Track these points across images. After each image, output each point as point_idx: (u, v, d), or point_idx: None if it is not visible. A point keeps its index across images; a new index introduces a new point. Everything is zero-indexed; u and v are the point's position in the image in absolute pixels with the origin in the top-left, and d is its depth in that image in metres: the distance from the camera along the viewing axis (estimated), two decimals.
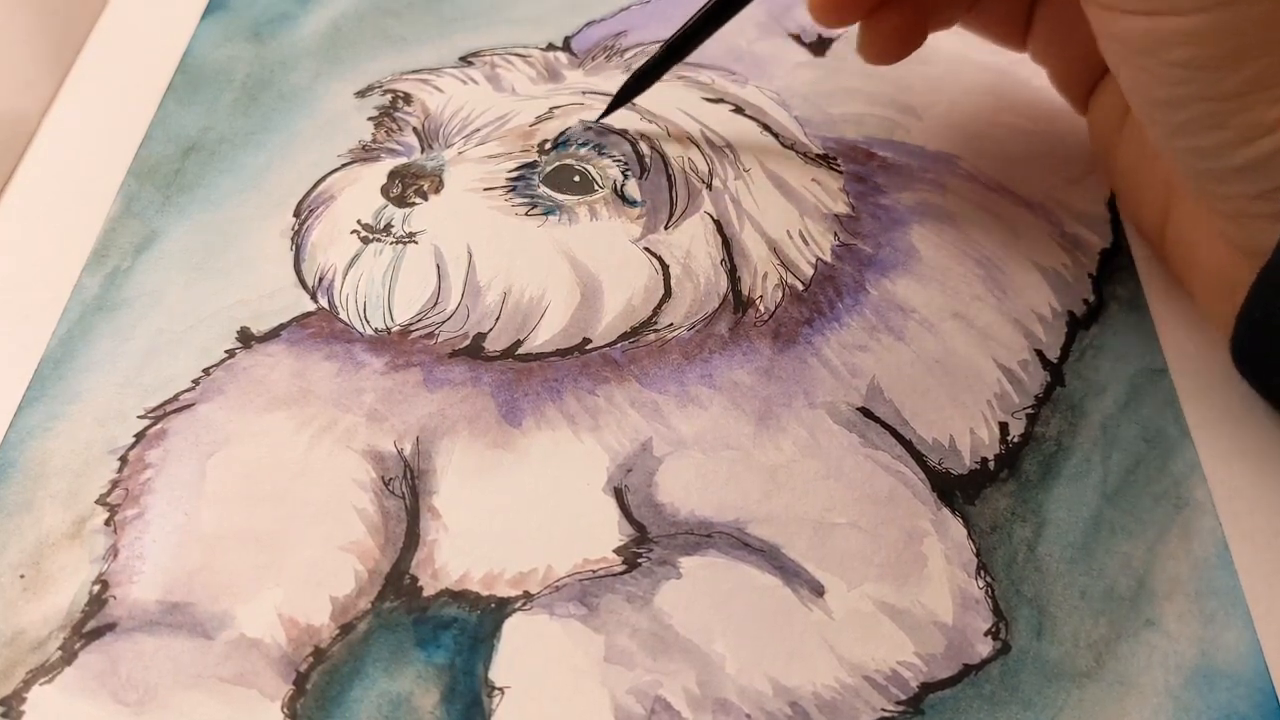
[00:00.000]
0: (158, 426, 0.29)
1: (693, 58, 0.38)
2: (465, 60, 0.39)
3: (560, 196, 0.34)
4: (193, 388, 0.30)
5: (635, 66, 0.37)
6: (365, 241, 0.33)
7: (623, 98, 0.35)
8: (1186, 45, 0.26)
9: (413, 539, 0.28)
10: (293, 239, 0.33)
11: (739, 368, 0.31)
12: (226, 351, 0.31)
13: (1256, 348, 0.29)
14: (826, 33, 0.40)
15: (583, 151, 0.35)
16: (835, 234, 0.34)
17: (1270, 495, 0.29)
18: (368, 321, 0.31)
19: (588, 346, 0.31)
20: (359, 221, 0.33)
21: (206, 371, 0.30)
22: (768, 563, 0.27)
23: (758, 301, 0.32)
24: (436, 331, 0.31)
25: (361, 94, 0.38)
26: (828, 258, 0.33)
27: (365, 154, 0.36)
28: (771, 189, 0.35)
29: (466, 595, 0.27)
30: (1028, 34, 0.35)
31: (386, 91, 0.38)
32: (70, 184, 0.35)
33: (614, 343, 0.31)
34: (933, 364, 0.31)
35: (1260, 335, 0.29)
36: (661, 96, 0.37)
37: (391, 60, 0.39)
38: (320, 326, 0.31)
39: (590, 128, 0.36)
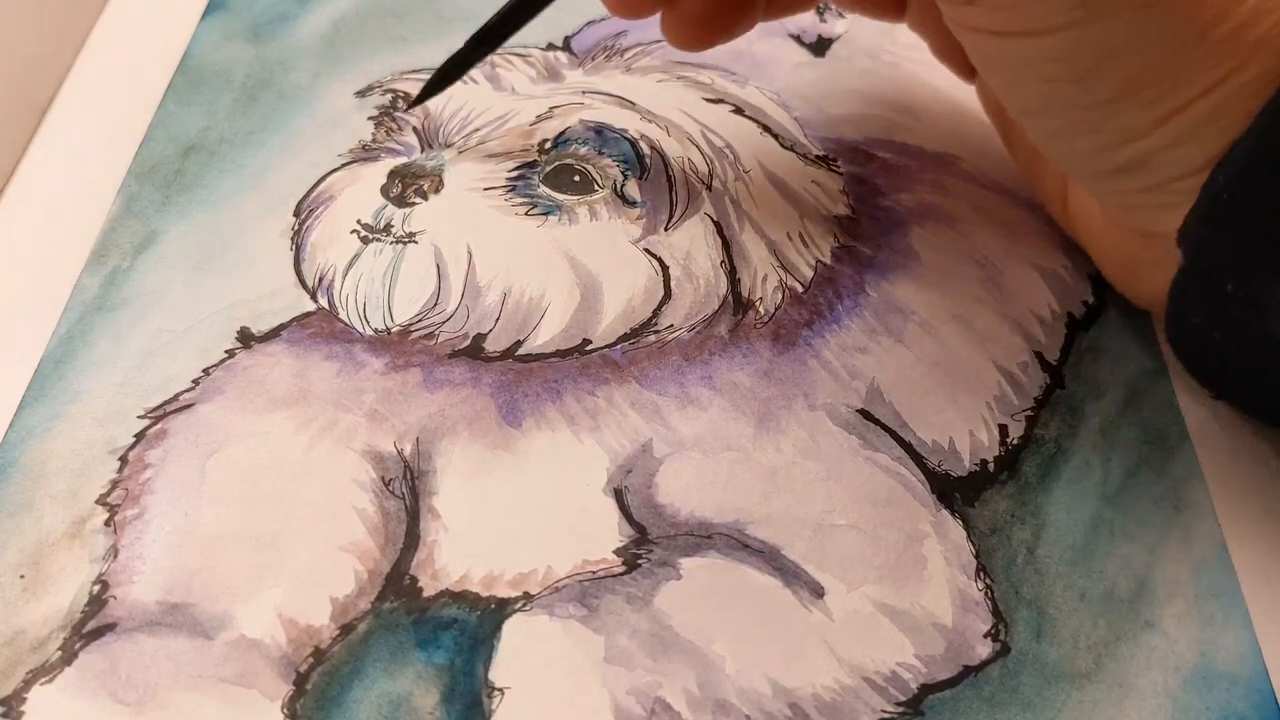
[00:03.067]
0: (158, 426, 0.29)
1: (693, 58, 0.38)
2: None
3: (560, 196, 0.34)
4: (193, 388, 0.30)
5: (635, 66, 0.38)
6: (365, 241, 0.33)
7: (430, 90, 0.35)
8: (1049, 62, 0.26)
9: (413, 539, 0.28)
10: (293, 239, 0.33)
11: (739, 369, 0.31)
12: (226, 351, 0.31)
13: (1185, 354, 0.30)
14: (826, 33, 0.40)
15: (583, 151, 0.35)
16: (835, 236, 0.34)
17: (1269, 498, 0.29)
18: (368, 321, 0.31)
19: (588, 347, 0.31)
20: (359, 221, 0.33)
21: (206, 371, 0.30)
22: (767, 564, 0.27)
23: (757, 303, 0.32)
24: (436, 332, 0.31)
25: (361, 94, 0.38)
26: (827, 259, 0.33)
27: (365, 154, 0.36)
28: (771, 190, 0.35)
29: (466, 596, 0.27)
30: (905, 4, 0.35)
31: (387, 91, 0.38)
32: (70, 184, 0.35)
33: (614, 344, 0.31)
34: (932, 366, 0.31)
35: (1186, 341, 0.29)
36: (661, 96, 0.37)
37: (391, 60, 0.39)
38: (320, 326, 0.31)
39: (591, 127, 0.36)
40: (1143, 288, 0.31)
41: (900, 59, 0.39)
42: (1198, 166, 0.26)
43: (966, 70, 0.35)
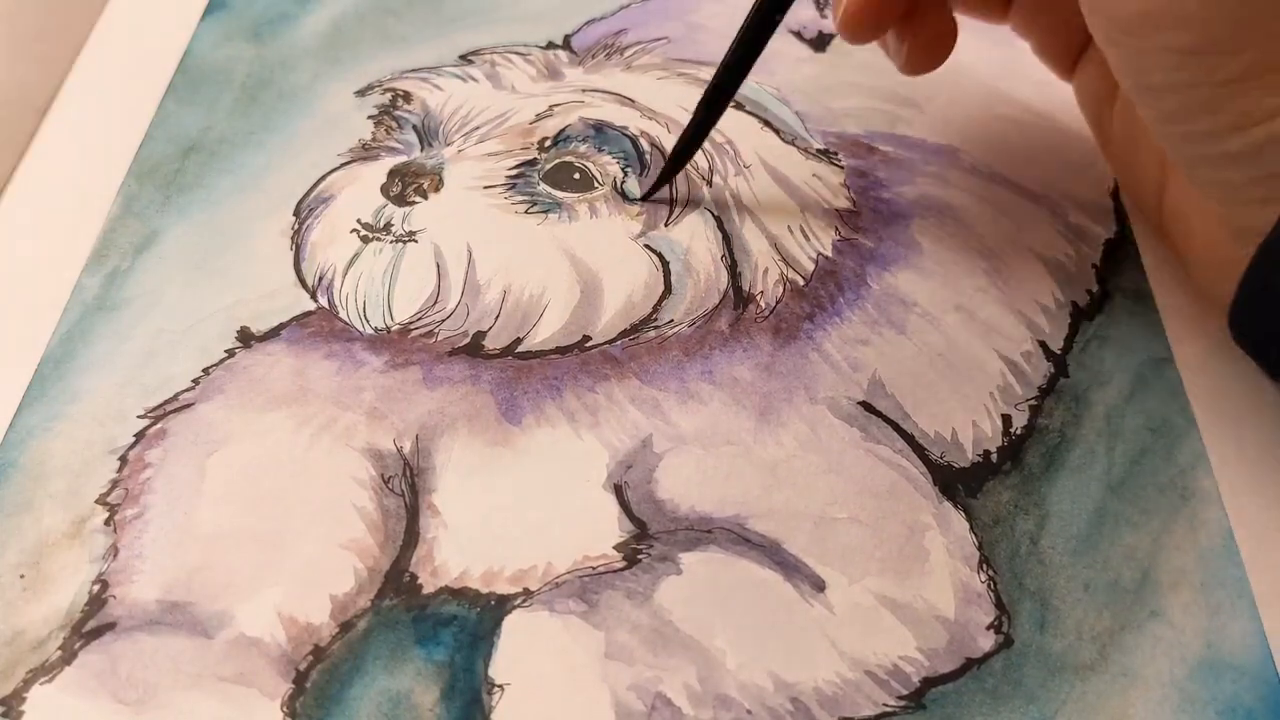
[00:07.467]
0: (157, 426, 0.29)
1: (693, 55, 0.38)
2: (465, 59, 0.39)
3: (560, 194, 0.34)
4: (192, 387, 0.30)
5: (635, 64, 0.38)
6: (365, 240, 0.33)
7: (668, 174, 0.34)
8: (1182, 29, 0.25)
9: (412, 537, 0.27)
10: (293, 238, 0.33)
11: (739, 363, 0.31)
12: (226, 351, 0.31)
13: (1254, 321, 0.29)
14: (827, 29, 0.40)
15: (582, 149, 0.35)
16: (836, 229, 0.34)
17: (1277, 485, 0.29)
18: (367, 320, 0.31)
19: (588, 344, 0.31)
20: (359, 220, 0.33)
21: (206, 371, 0.30)
22: (768, 558, 0.27)
23: (758, 297, 0.32)
24: (436, 330, 0.31)
25: (361, 93, 0.38)
26: (829, 252, 0.33)
27: (365, 153, 0.36)
28: (772, 185, 0.35)
29: (466, 592, 0.27)
30: (1009, 5, 0.35)
31: (386, 90, 0.38)
32: (70, 184, 0.35)
33: (614, 340, 0.31)
34: (935, 357, 0.31)
35: (1258, 308, 0.28)
36: (661, 93, 0.37)
37: (391, 59, 0.39)
38: (320, 325, 0.31)
39: (590, 125, 0.36)
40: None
41: None
42: None
43: (1066, 70, 0.35)
